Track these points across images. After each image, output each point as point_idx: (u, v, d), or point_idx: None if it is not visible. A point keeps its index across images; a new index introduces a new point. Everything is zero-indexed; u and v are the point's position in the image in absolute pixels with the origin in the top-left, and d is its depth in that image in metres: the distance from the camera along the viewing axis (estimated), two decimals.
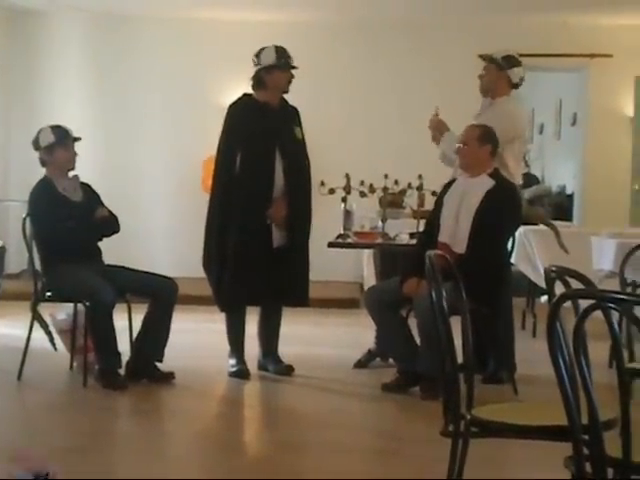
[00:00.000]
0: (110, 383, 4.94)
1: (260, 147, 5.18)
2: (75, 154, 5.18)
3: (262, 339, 5.45)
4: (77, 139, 5.21)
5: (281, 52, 5.21)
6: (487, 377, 5.09)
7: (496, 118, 5.11)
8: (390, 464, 3.81)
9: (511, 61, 5.37)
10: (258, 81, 5.23)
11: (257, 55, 5.23)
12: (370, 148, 9.04)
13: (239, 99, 5.34)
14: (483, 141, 4.93)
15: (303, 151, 5.34)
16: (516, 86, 5.41)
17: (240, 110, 5.26)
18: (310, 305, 5.46)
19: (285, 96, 5.34)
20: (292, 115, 5.34)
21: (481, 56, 5.49)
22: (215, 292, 5.29)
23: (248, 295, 5.22)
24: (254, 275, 5.17)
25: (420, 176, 5.61)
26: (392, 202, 5.78)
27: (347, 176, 5.76)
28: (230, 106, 5.33)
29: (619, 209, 9.01)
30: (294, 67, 5.23)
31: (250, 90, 5.31)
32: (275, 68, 5.19)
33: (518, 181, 5.32)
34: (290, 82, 5.25)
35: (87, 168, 5.60)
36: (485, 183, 4.91)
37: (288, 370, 5.37)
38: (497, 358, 5.19)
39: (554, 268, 2.52)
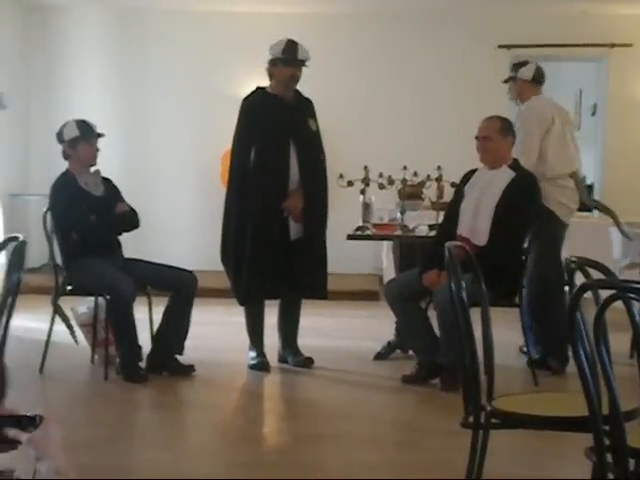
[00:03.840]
0: (131, 376, 4.96)
1: (274, 140, 5.17)
2: (97, 150, 5.20)
3: (282, 331, 5.46)
4: (101, 135, 5.22)
5: (289, 46, 5.18)
6: (534, 361, 5.05)
7: (520, 120, 5.34)
8: (410, 456, 3.81)
9: (517, 66, 5.64)
10: (268, 73, 5.25)
11: (270, 47, 5.24)
12: (389, 140, 9.02)
13: (253, 93, 5.34)
14: (505, 133, 4.94)
15: (318, 143, 5.33)
16: (535, 80, 5.54)
17: (254, 104, 5.26)
18: (328, 297, 5.46)
19: (303, 88, 5.33)
20: (306, 107, 5.33)
21: (504, 81, 5.77)
22: (233, 285, 5.30)
23: (266, 288, 5.23)
24: (272, 268, 5.17)
25: (439, 167, 5.59)
26: (411, 194, 5.76)
27: (366, 168, 5.75)
28: (244, 100, 5.32)
29: None
30: (301, 63, 5.18)
31: (264, 83, 5.31)
32: (279, 61, 5.17)
33: (562, 169, 5.33)
34: (295, 78, 5.19)
35: (107, 163, 5.61)
36: (506, 175, 4.90)
37: (307, 362, 5.37)
38: (547, 344, 5.17)
39: (574, 259, 2.51)
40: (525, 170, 5.01)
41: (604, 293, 1.96)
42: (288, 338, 5.44)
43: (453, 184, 5.33)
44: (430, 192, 5.84)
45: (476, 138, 5.00)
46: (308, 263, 5.25)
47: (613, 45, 9.05)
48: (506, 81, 5.70)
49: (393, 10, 9.09)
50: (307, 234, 5.25)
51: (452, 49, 9.15)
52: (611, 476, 2.01)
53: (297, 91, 5.32)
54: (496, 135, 4.92)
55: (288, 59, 5.16)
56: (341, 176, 5.69)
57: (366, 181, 5.71)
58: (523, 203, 4.85)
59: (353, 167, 5.79)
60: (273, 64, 5.20)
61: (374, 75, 9.23)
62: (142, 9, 9.14)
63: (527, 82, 5.53)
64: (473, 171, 5.10)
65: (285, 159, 5.18)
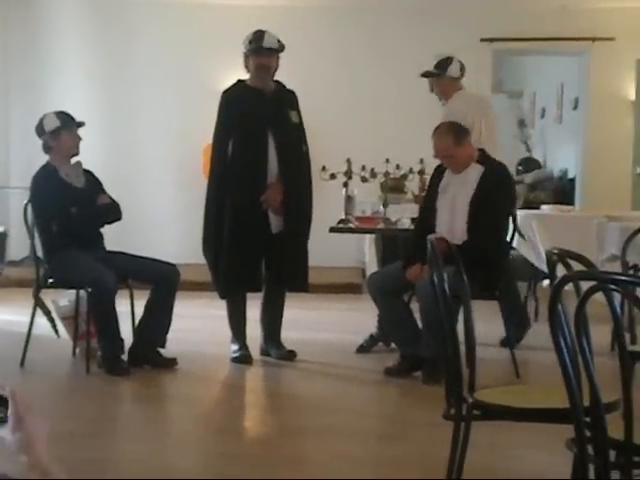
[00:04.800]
0: (113, 369, 4.95)
1: (252, 133, 5.16)
2: (79, 139, 5.18)
3: (264, 324, 5.46)
4: (81, 124, 5.20)
5: (256, 36, 5.17)
6: (503, 340, 5.20)
7: (449, 116, 5.37)
8: (393, 448, 3.82)
9: (443, 64, 5.72)
10: (245, 66, 5.25)
11: (243, 40, 5.24)
12: (371, 133, 9.02)
13: (232, 86, 5.33)
14: (460, 141, 4.88)
15: (300, 135, 5.32)
16: (461, 76, 5.76)
17: (233, 96, 5.25)
18: (309, 290, 5.46)
19: (286, 80, 5.33)
20: (287, 99, 5.32)
21: (422, 75, 5.80)
22: (214, 278, 5.29)
23: (245, 282, 5.23)
24: (250, 261, 5.17)
25: (421, 160, 5.60)
26: (393, 187, 5.77)
27: (348, 161, 5.75)
28: (224, 93, 5.31)
29: (621, 193, 8.99)
30: (269, 51, 5.13)
31: (246, 76, 5.31)
32: (249, 52, 5.18)
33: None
34: (265, 67, 5.16)
35: (89, 155, 5.58)
36: (476, 171, 4.89)
37: (290, 355, 5.37)
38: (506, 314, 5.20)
39: (556, 251, 2.52)
40: (494, 161, 5.01)
41: (585, 285, 1.97)
42: (271, 331, 5.44)
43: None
44: (413, 185, 5.85)
45: (435, 156, 4.98)
46: (289, 256, 5.25)
47: (595, 39, 9.08)
48: (427, 76, 5.73)
49: (375, 3, 9.09)
50: (288, 227, 5.24)
51: (434, 42, 9.13)
52: (592, 467, 2.02)
53: (279, 83, 5.31)
54: (454, 149, 4.87)
55: (255, 48, 5.16)
56: (324, 169, 5.69)
57: (349, 174, 5.71)
58: (496, 194, 4.86)
59: (335, 160, 5.79)
60: (246, 56, 5.21)
61: (356, 68, 9.23)
62: (124, 0, 9.10)
63: (454, 79, 5.68)
64: (442, 166, 5.05)
65: (263, 152, 5.17)
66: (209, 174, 5.36)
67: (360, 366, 5.35)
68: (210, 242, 5.26)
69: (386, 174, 5.68)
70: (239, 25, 8.31)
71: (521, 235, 6.15)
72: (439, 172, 5.06)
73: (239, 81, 5.33)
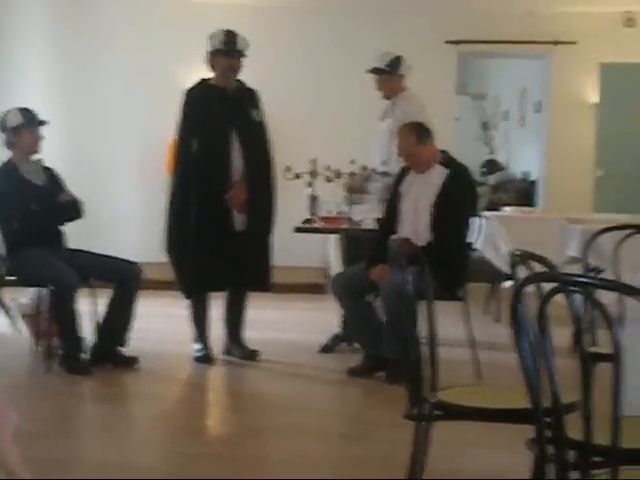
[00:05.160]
0: (74, 368, 4.91)
1: (216, 131, 5.15)
2: (41, 138, 5.14)
3: (227, 324, 5.44)
4: (43, 122, 5.16)
5: (229, 37, 5.17)
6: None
7: (409, 114, 5.49)
8: (354, 448, 3.83)
9: (395, 62, 5.80)
10: (209, 64, 5.23)
11: (209, 38, 5.22)
12: (336, 133, 9.02)
13: (195, 84, 5.31)
14: (423, 140, 4.92)
15: (263, 134, 5.32)
16: (406, 74, 5.87)
17: (196, 95, 5.24)
18: (272, 290, 5.46)
19: (250, 80, 5.32)
20: (249, 97, 5.32)
21: (371, 71, 5.84)
22: (178, 278, 5.27)
23: (210, 281, 5.21)
24: (215, 260, 5.16)
25: (385, 162, 5.61)
26: (358, 187, 5.77)
27: (313, 161, 5.75)
28: (187, 91, 5.29)
29: (582, 195, 9.07)
30: (240, 54, 5.17)
31: (210, 74, 5.29)
32: (219, 53, 5.16)
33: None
34: (234, 68, 5.19)
35: (52, 152, 5.53)
36: (438, 173, 4.92)
37: (253, 355, 5.37)
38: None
39: (518, 252, 2.54)
40: (457, 163, 5.05)
41: (547, 287, 1.98)
42: (234, 331, 5.43)
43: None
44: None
45: (399, 155, 5.01)
46: (252, 255, 5.24)
47: (557, 42, 9.16)
48: (379, 73, 5.76)
49: (341, 4, 9.09)
50: (251, 226, 5.23)
51: (399, 44, 9.14)
52: (551, 467, 2.04)
53: (240, 82, 5.30)
54: (416, 147, 4.91)
55: (228, 50, 5.15)
56: (288, 169, 5.68)
57: (313, 174, 5.72)
58: (459, 196, 4.89)
59: (300, 160, 5.78)
60: (213, 55, 5.18)
61: (322, 69, 9.22)
62: None
63: (402, 78, 5.79)
64: (408, 168, 5.09)
65: (226, 150, 5.16)
66: (172, 172, 5.34)
67: (323, 366, 5.35)
68: (173, 241, 5.24)
69: (351, 174, 5.68)
70: (203, 23, 8.26)
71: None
72: (403, 173, 5.08)
73: (202, 80, 5.31)
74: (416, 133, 4.93)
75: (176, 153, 5.32)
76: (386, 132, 5.76)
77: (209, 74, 5.30)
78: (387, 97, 5.84)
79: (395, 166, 5.44)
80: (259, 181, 5.25)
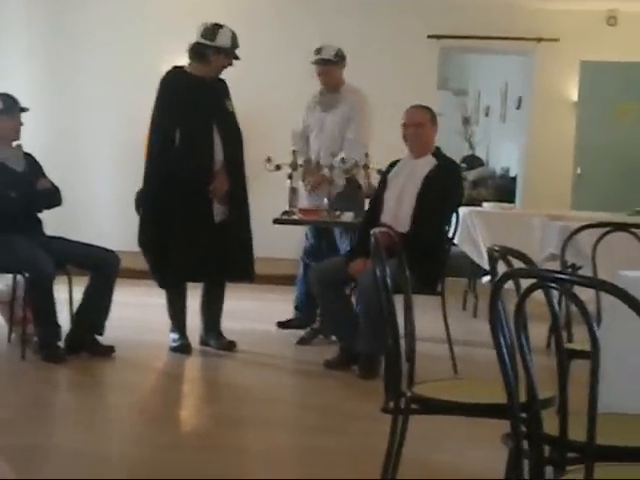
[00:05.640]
0: (49, 356, 4.88)
1: (199, 121, 5.12)
2: (20, 124, 5.09)
3: (204, 314, 5.43)
4: (24, 109, 5.11)
5: (235, 39, 5.15)
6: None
7: (358, 103, 5.70)
8: (330, 440, 3.83)
9: (341, 54, 5.84)
10: (200, 55, 5.13)
11: (211, 31, 5.09)
12: None
13: (170, 72, 5.24)
14: (434, 122, 5.03)
15: (237, 124, 5.30)
16: None
17: (174, 84, 5.18)
18: (256, 280, 5.44)
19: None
20: (223, 88, 5.30)
21: (319, 62, 5.85)
22: (152, 268, 5.23)
23: (194, 271, 5.19)
24: (197, 251, 5.13)
25: (367, 155, 5.60)
26: (319, 182, 5.76)
27: (294, 153, 5.74)
28: (163, 80, 5.22)
29: (561, 192, 9.12)
30: (237, 58, 5.17)
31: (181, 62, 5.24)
32: (225, 52, 5.11)
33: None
34: (226, 68, 5.20)
35: (30, 139, 5.48)
36: (429, 163, 4.96)
37: (230, 345, 5.36)
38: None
39: (497, 248, 2.54)
40: (447, 158, 5.08)
41: (525, 283, 1.99)
42: (211, 321, 5.41)
43: (379, 171, 5.36)
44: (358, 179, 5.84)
45: (404, 126, 5.01)
46: (235, 245, 5.22)
47: (540, 39, 9.19)
48: (330, 64, 5.77)
49: None
50: (232, 216, 5.22)
51: (382, 38, 9.17)
52: (527, 462, 2.05)
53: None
54: (428, 123, 4.98)
55: (233, 53, 5.13)
56: (269, 160, 5.67)
57: (294, 166, 5.70)
58: (443, 190, 4.90)
59: (281, 151, 5.77)
60: (216, 51, 5.09)
61: (304, 60, 9.19)
62: None
63: (343, 68, 5.85)
64: (397, 161, 5.14)
65: (209, 140, 5.13)
66: (147, 162, 5.27)
67: (300, 358, 5.35)
68: (149, 231, 5.18)
69: (331, 167, 5.67)
70: (182, 13, 8.26)
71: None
72: (391, 168, 5.11)
73: (176, 67, 5.26)
74: (431, 112, 5.04)
75: (153, 142, 5.24)
76: (336, 124, 5.76)
77: (176, 62, 5.23)
78: (333, 89, 5.85)
79: (353, 153, 5.54)
80: (238, 171, 5.24)
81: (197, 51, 5.13)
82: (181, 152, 5.09)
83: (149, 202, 5.20)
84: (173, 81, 5.20)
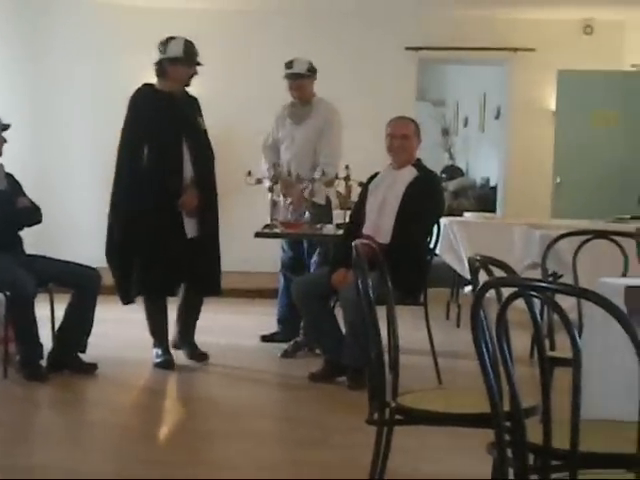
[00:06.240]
0: (31, 374, 4.85)
1: (168, 137, 5.12)
2: (4, 141, 5.07)
3: (179, 322, 5.46)
4: (6, 126, 5.09)
5: (189, 46, 5.15)
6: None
7: (331, 117, 5.77)
8: (314, 452, 3.82)
9: (312, 67, 5.90)
10: (161, 70, 5.17)
11: (164, 44, 5.15)
12: None
13: (140, 89, 5.25)
14: (418, 134, 5.06)
15: (207, 140, 5.30)
16: None
17: (143, 100, 5.19)
18: (222, 294, 5.44)
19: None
20: (195, 105, 5.31)
21: (291, 76, 5.89)
22: (118, 284, 5.21)
23: (166, 286, 5.19)
24: (169, 266, 5.12)
25: (347, 167, 5.62)
26: (299, 197, 5.77)
27: (274, 166, 5.75)
28: (132, 97, 5.23)
29: (541, 201, 9.16)
30: (199, 64, 5.18)
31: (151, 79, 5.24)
32: (179, 62, 5.13)
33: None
34: (192, 77, 5.19)
35: (8, 156, 5.46)
36: (410, 174, 4.98)
37: (201, 357, 5.37)
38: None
39: (478, 257, 2.55)
40: (428, 170, 5.10)
41: (507, 292, 1.99)
42: (185, 329, 5.44)
43: (361, 184, 5.37)
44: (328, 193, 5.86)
45: (390, 136, 5.02)
46: (203, 260, 5.23)
47: (516, 49, 9.25)
48: (302, 77, 5.82)
49: (299, 9, 9.09)
50: (202, 231, 5.21)
51: (360, 50, 9.20)
52: (511, 471, 2.05)
53: (184, 89, 5.28)
54: (412, 135, 5.00)
55: (190, 60, 5.13)
56: (249, 173, 5.67)
57: (274, 179, 5.71)
58: (423, 201, 4.92)
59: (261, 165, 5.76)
60: (172, 63, 5.12)
61: (280, 73, 9.21)
62: None
63: (314, 81, 5.89)
64: (377, 174, 5.16)
65: (178, 156, 5.14)
66: (115, 180, 5.26)
67: (284, 371, 5.34)
68: (117, 248, 5.17)
69: (312, 180, 5.68)
70: (155, 27, 8.25)
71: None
72: (372, 180, 5.13)
73: (145, 85, 5.27)
74: (415, 124, 5.09)
75: (121, 159, 5.22)
76: (307, 136, 5.78)
77: (152, 79, 5.24)
78: (305, 101, 5.88)
79: (332, 165, 5.58)
80: (208, 187, 5.24)
81: (157, 67, 5.18)
82: (150, 168, 5.09)
83: (118, 219, 5.18)
84: (141, 97, 5.21)
